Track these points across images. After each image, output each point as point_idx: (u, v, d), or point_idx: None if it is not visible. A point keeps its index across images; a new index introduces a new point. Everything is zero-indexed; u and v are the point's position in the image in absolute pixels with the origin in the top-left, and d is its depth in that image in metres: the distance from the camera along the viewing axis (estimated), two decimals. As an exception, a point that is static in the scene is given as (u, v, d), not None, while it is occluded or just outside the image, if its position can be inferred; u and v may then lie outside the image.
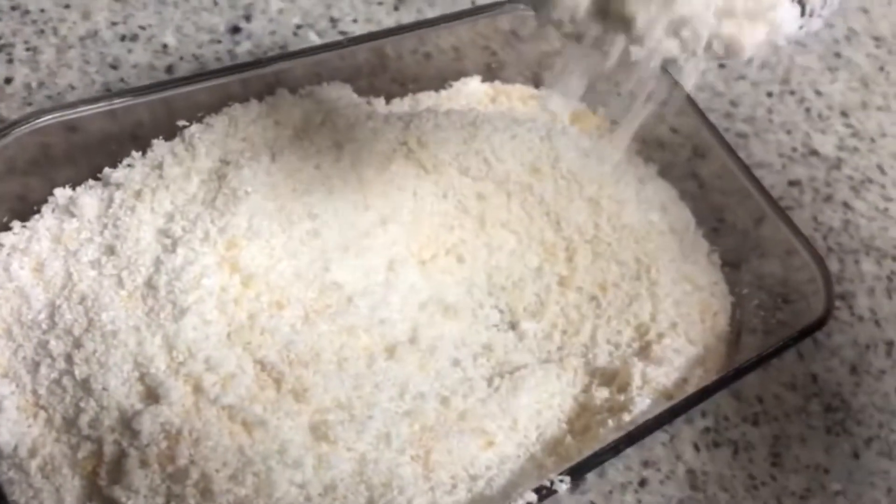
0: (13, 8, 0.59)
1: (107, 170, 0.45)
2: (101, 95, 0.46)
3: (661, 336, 0.46)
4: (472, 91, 0.57)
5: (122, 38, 0.59)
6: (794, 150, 0.64)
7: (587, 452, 0.38)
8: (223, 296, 0.41)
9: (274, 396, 0.39)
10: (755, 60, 0.69)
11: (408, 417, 0.40)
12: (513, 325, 0.48)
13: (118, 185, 0.44)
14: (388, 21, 0.65)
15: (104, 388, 0.38)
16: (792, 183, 0.61)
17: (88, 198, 0.44)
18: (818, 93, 0.68)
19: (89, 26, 0.60)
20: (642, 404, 0.42)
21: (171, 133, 0.47)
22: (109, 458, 0.37)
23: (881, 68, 0.71)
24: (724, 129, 0.62)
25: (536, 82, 0.59)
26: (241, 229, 0.42)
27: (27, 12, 0.59)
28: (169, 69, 0.58)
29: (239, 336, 0.40)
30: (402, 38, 0.53)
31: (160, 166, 0.44)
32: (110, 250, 0.42)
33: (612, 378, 0.44)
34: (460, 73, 0.57)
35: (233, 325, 0.40)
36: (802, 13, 0.36)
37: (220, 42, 0.61)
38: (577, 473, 0.38)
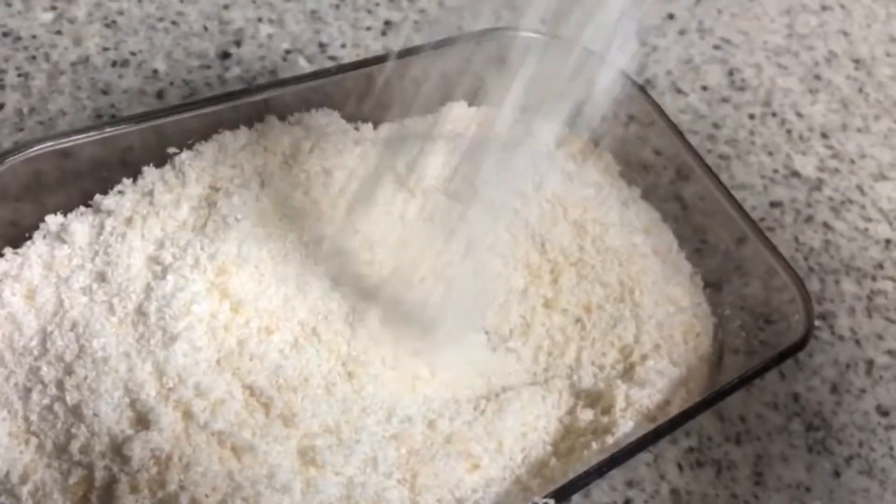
0: (5, 34, 0.60)
1: (98, 197, 0.46)
2: (93, 125, 0.46)
3: (644, 358, 0.47)
4: (458, 116, 0.58)
5: (113, 63, 0.60)
6: (776, 171, 0.65)
7: (572, 474, 0.39)
8: (213, 322, 0.41)
9: (263, 421, 0.40)
10: (736, 82, 0.71)
11: (395, 441, 0.41)
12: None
13: (109, 213, 0.45)
14: (376, 46, 0.66)
15: (95, 415, 0.38)
16: (773, 204, 0.63)
17: (80, 225, 0.44)
18: (799, 114, 0.69)
19: (80, 52, 0.60)
20: (626, 426, 0.42)
21: (161, 159, 0.48)
22: (100, 483, 0.37)
23: (860, 90, 0.72)
24: (706, 151, 0.64)
25: (522, 107, 0.60)
26: (231, 256, 0.43)
27: (19, 38, 0.60)
28: (159, 94, 0.59)
29: (228, 362, 0.41)
30: (390, 65, 0.54)
31: (151, 193, 0.45)
32: (101, 277, 0.42)
33: (597, 400, 0.45)
34: (447, 98, 0.58)
35: (222, 351, 0.41)
36: None
37: (209, 67, 0.61)
38: (561, 495, 0.38)
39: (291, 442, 0.39)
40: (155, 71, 0.60)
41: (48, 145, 0.44)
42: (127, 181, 0.47)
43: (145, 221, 0.44)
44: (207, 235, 0.43)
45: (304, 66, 0.63)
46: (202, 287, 0.42)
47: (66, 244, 0.44)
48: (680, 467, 0.48)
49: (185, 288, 0.41)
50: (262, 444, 0.39)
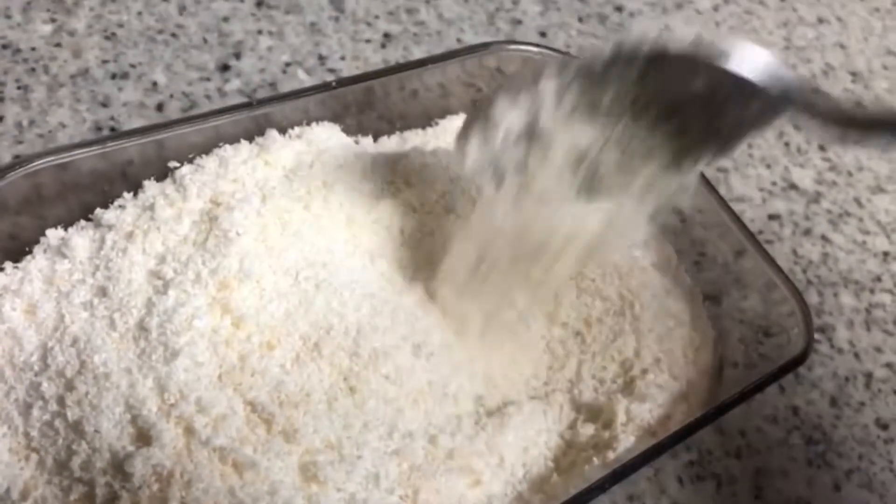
0: (4, 47, 0.60)
1: (98, 211, 0.46)
2: (94, 139, 0.46)
3: (644, 372, 0.47)
4: (457, 128, 0.58)
5: (113, 76, 0.60)
6: (774, 184, 0.65)
7: (573, 490, 0.39)
8: (214, 337, 0.41)
9: (264, 437, 0.39)
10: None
11: (396, 457, 0.41)
12: (500, 361, 0.48)
13: (110, 227, 0.45)
14: (376, 58, 0.66)
15: (96, 431, 0.38)
16: (772, 217, 0.63)
17: (80, 239, 0.44)
18: (797, 127, 0.70)
19: (80, 64, 0.60)
20: (627, 441, 0.42)
21: (162, 173, 0.48)
22: (101, 500, 0.37)
23: (857, 103, 0.73)
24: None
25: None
26: (233, 271, 0.43)
27: (18, 51, 0.60)
28: (159, 107, 0.59)
29: (230, 377, 0.41)
30: (390, 78, 0.54)
31: (152, 208, 0.45)
32: (102, 292, 0.42)
33: (598, 414, 0.45)
34: (446, 111, 0.58)
35: (224, 367, 0.41)
36: None
37: (209, 80, 0.62)
38: (562, 511, 0.38)
39: (293, 458, 0.39)
40: (154, 83, 0.61)
41: (49, 160, 0.44)
42: (127, 195, 0.47)
43: (146, 236, 0.44)
44: (209, 250, 0.43)
45: (303, 79, 0.63)
46: (204, 302, 0.42)
47: (66, 259, 0.44)
48: (680, 481, 0.48)
49: (187, 303, 0.41)
50: (263, 460, 0.39)
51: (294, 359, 0.42)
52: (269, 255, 0.44)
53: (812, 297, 0.58)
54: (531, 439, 0.43)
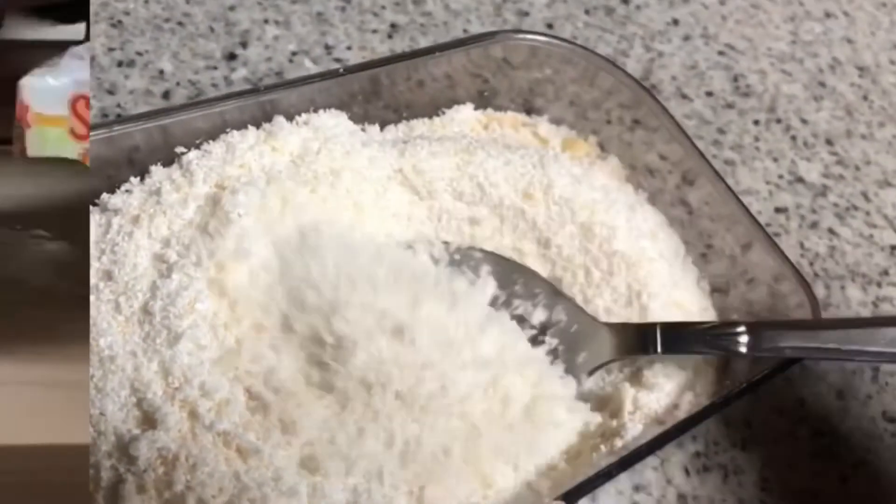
0: (10, 33, 0.60)
1: (105, 195, 0.46)
2: (99, 123, 0.46)
3: (651, 361, 0.47)
4: (464, 118, 0.58)
5: (119, 63, 0.60)
6: (781, 177, 0.65)
7: (580, 478, 0.39)
8: (215, 320, 0.41)
9: (264, 424, 0.39)
10: (741, 88, 0.71)
11: (401, 458, 0.40)
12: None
13: (116, 211, 0.44)
14: (382, 48, 0.66)
15: (101, 414, 0.38)
16: (779, 210, 0.63)
17: (86, 223, 0.44)
18: (804, 121, 0.69)
19: (86, 52, 0.60)
20: (634, 430, 0.42)
21: (168, 159, 0.48)
22: (106, 483, 0.37)
23: (865, 97, 0.72)
24: (712, 157, 0.63)
25: (528, 109, 0.60)
26: (229, 252, 0.42)
27: (24, 37, 0.60)
28: (165, 95, 0.59)
29: (229, 361, 0.40)
30: (397, 67, 0.54)
31: (158, 192, 0.45)
32: (108, 275, 0.42)
33: (605, 404, 0.45)
34: (452, 101, 0.58)
35: (224, 350, 0.41)
36: None
37: (216, 68, 0.61)
38: (570, 499, 0.38)
39: (293, 448, 0.39)
40: (161, 71, 0.60)
41: (56, 143, 0.44)
42: (134, 180, 0.46)
43: (152, 220, 0.44)
44: (209, 233, 0.43)
45: (310, 68, 0.63)
46: (204, 285, 0.41)
47: (72, 243, 0.43)
48: (686, 472, 0.48)
49: (189, 286, 0.41)
50: (266, 446, 0.38)
51: (292, 346, 0.41)
52: (267, 234, 0.44)
53: (819, 291, 0.58)
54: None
